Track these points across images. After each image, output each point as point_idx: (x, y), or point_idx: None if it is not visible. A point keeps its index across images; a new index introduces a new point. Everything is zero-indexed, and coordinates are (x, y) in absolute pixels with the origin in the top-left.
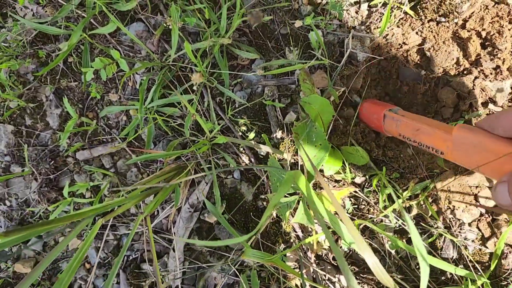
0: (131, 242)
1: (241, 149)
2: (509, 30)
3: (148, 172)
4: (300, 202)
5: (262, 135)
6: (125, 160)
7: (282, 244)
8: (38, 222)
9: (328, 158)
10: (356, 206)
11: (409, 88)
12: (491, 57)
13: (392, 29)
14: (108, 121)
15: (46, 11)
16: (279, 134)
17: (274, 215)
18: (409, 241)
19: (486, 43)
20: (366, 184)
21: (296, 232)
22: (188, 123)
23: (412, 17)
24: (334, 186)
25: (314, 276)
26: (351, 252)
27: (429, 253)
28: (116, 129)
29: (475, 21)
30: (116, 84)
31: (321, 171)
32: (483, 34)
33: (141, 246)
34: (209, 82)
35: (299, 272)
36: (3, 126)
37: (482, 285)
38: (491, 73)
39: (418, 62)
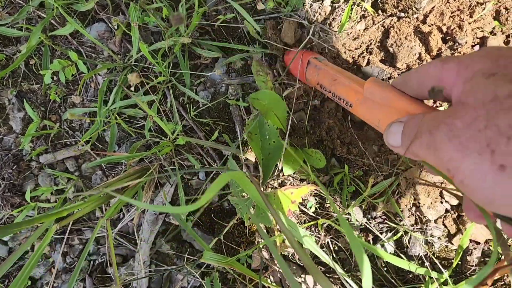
0: (97, 246)
1: (206, 149)
2: (469, 24)
3: (113, 174)
4: (256, 204)
5: (223, 135)
6: (89, 163)
7: (247, 246)
8: None
9: (287, 157)
10: (320, 205)
11: None
12: (452, 51)
13: (352, 26)
14: (71, 123)
15: (6, 13)
16: (243, 133)
17: (239, 216)
18: (374, 240)
19: (447, 38)
20: (331, 182)
21: (259, 234)
22: (148, 125)
23: (372, 14)
24: (297, 185)
25: (280, 276)
26: None
27: (396, 250)
28: (79, 132)
29: (435, 16)
30: (78, 86)
31: (282, 170)
32: (444, 28)
33: (107, 250)
34: (171, 82)
35: (258, 275)
36: None
37: (444, 282)
38: None
39: (382, 58)
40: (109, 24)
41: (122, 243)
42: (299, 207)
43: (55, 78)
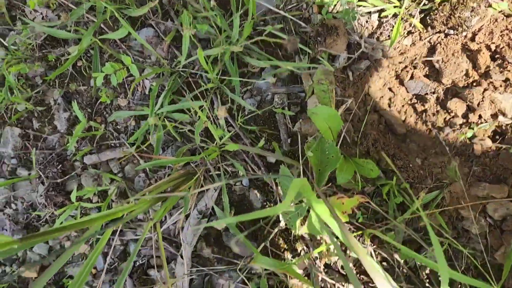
0: (139, 248)
1: (250, 156)
2: None
3: (156, 177)
4: (311, 211)
5: (272, 143)
6: (133, 165)
7: (289, 252)
8: (49, 228)
9: (340, 167)
10: (366, 215)
11: (417, 98)
12: (501, 69)
13: (399, 41)
14: (116, 125)
15: (56, 15)
16: (288, 141)
17: (283, 224)
18: (418, 251)
19: (496, 56)
20: (376, 193)
21: (305, 240)
22: (198, 129)
23: (420, 30)
24: (343, 196)
25: (323, 284)
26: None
27: None
28: (124, 134)
29: (485, 34)
30: (125, 88)
31: (331, 180)
32: (493, 47)
33: (148, 251)
34: (218, 88)
35: (310, 281)
36: (10, 129)
37: None
38: (500, 85)
39: (427, 73)
40: (157, 30)
41: (164, 246)
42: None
43: (103, 80)
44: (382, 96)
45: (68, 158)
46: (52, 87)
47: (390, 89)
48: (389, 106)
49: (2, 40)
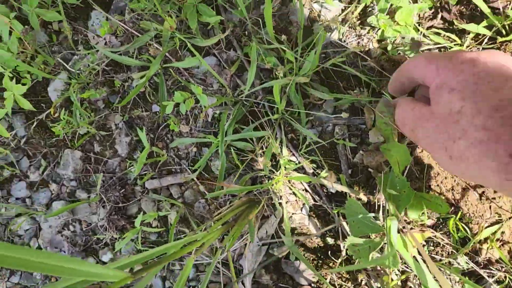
0: (196, 273)
1: (311, 185)
2: None
3: (215, 204)
4: (387, 245)
5: (334, 173)
6: (192, 190)
7: (351, 282)
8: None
9: (412, 202)
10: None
11: None
12: None
13: None
14: (178, 151)
15: (119, 41)
16: (349, 172)
17: (344, 253)
18: (477, 283)
19: None
20: (435, 226)
21: (367, 271)
22: (268, 158)
23: None
24: (410, 228)
25: None
26: None
27: None
28: (185, 160)
29: None
30: (187, 115)
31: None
32: None
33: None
34: (282, 119)
35: None
36: (71, 152)
37: None
38: None
39: None
40: (220, 59)
41: (223, 271)
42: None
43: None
44: None
45: (129, 182)
46: (114, 112)
47: None
48: None
49: (65, 64)
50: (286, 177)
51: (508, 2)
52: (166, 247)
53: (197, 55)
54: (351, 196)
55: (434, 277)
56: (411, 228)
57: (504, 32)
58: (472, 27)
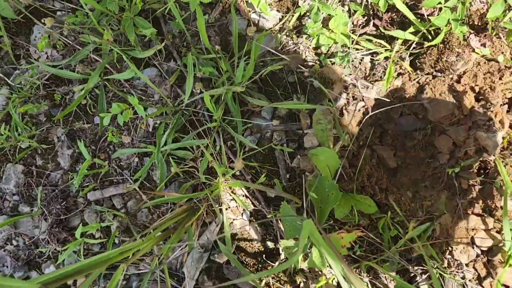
0: (137, 282)
1: (251, 191)
2: (499, 85)
3: (158, 212)
4: (313, 248)
5: (273, 179)
6: (135, 200)
7: (289, 284)
8: (64, 270)
9: (338, 203)
10: (362, 248)
11: (406, 134)
12: (485, 110)
13: (391, 82)
14: (119, 162)
15: (60, 55)
16: (287, 177)
17: (283, 256)
18: (410, 281)
19: (480, 97)
20: (370, 226)
21: (304, 273)
22: (203, 167)
23: (410, 72)
24: (340, 229)
25: None
26: None
27: None
28: (127, 170)
29: (469, 77)
30: (128, 126)
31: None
32: (477, 89)
33: (150, 286)
34: (220, 127)
35: None
36: (13, 166)
37: None
38: (484, 125)
39: (416, 111)
40: (161, 70)
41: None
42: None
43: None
44: (375, 132)
45: (71, 194)
46: (56, 125)
47: (380, 125)
48: (381, 142)
49: (6, 79)
50: (225, 183)
51: (433, 9)
52: (94, 260)
53: (132, 66)
54: (285, 201)
55: (345, 276)
56: (340, 229)
57: (430, 37)
58: (398, 33)
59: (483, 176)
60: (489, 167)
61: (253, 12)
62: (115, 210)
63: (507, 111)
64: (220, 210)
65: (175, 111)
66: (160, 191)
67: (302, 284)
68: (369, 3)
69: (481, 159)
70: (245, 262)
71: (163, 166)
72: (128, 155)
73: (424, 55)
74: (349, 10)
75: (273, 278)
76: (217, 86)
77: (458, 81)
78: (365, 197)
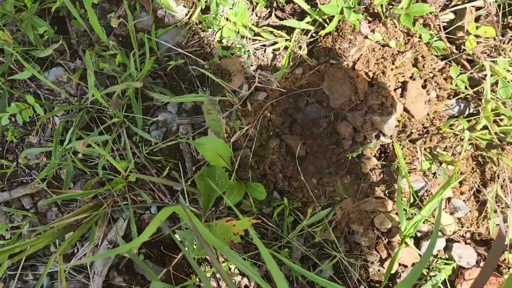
0: (51, 281)
1: (157, 185)
2: (391, 70)
3: (68, 211)
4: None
5: (173, 172)
6: (45, 200)
7: (194, 275)
8: None
9: (230, 191)
10: (264, 234)
11: (313, 123)
12: (377, 94)
13: (292, 71)
14: (28, 162)
15: None
16: (193, 169)
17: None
18: (314, 266)
19: (373, 82)
20: (273, 214)
21: (209, 262)
22: (101, 163)
23: (306, 61)
24: (232, 219)
25: None
26: None
27: (333, 276)
28: (36, 170)
29: (363, 63)
30: (36, 126)
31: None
32: (370, 74)
33: (60, 285)
34: (125, 123)
35: None
36: None
37: None
38: (378, 109)
39: (319, 99)
40: (67, 69)
41: (76, 277)
42: (244, 238)
43: (12, 119)
44: (284, 122)
45: None
46: None
47: (290, 115)
48: (290, 131)
49: None
50: (126, 179)
51: None
52: None
53: (28, 67)
54: (186, 193)
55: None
56: (231, 219)
57: (327, 26)
58: (294, 23)
59: (382, 159)
60: (388, 151)
61: (159, 8)
62: (25, 210)
63: (401, 95)
64: (126, 205)
65: (80, 109)
66: (66, 189)
67: (210, 274)
68: None
69: (380, 143)
70: (153, 255)
71: (69, 164)
72: (37, 155)
73: (320, 43)
74: (252, 2)
75: (177, 269)
76: (121, 83)
77: (353, 68)
78: (257, 184)
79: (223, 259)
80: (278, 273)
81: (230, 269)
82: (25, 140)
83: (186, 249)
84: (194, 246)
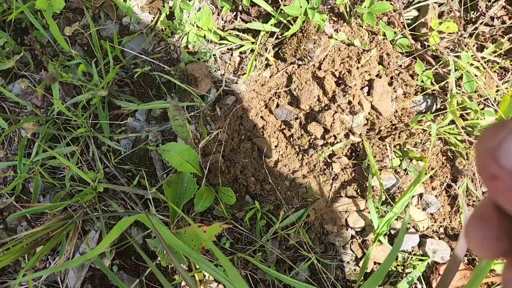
0: None
1: (129, 194)
2: (357, 68)
3: (39, 224)
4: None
5: (142, 180)
6: (14, 214)
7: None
8: None
9: (199, 197)
10: (238, 239)
11: (285, 124)
12: (344, 93)
13: (259, 74)
14: None
15: None
16: (165, 176)
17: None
18: (290, 269)
19: (340, 81)
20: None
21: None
22: (68, 175)
23: (273, 63)
24: (202, 225)
25: None
26: None
27: (309, 278)
28: (3, 185)
29: (328, 63)
30: (3, 141)
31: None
32: (336, 73)
33: None
34: (92, 132)
35: None
36: None
37: None
38: (346, 108)
39: (289, 101)
40: (32, 80)
41: None
42: (216, 243)
43: None
44: (255, 125)
45: None
46: None
47: (262, 117)
48: (263, 134)
49: None
50: (95, 190)
51: None
52: None
53: None
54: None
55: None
56: (201, 225)
57: (291, 27)
58: (258, 26)
59: (354, 158)
60: (358, 149)
61: (124, 16)
62: None
63: (368, 93)
64: (98, 217)
65: (46, 121)
66: (34, 202)
67: (182, 283)
68: None
69: (350, 141)
70: (126, 266)
71: (37, 177)
72: (3, 169)
73: (286, 44)
74: (216, 7)
75: (151, 280)
76: (86, 92)
77: (320, 68)
78: (227, 189)
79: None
80: (238, 278)
81: (204, 276)
82: None
83: (158, 258)
84: (164, 255)
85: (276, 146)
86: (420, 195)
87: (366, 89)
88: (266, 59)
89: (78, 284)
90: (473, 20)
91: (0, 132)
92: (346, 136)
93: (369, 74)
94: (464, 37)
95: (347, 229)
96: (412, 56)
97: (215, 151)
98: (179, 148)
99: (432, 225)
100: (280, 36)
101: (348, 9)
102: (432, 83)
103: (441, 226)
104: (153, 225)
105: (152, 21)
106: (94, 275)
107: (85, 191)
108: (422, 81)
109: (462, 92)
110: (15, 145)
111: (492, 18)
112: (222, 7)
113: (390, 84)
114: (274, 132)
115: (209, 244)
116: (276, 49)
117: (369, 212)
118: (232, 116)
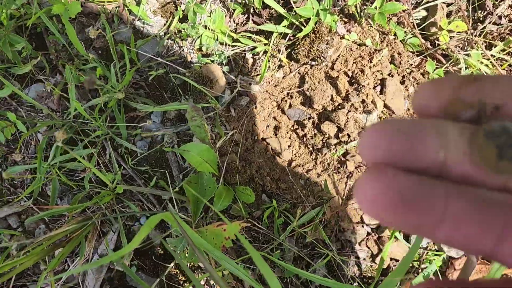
0: None
1: (146, 196)
2: (369, 68)
3: (57, 227)
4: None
5: (161, 181)
6: (32, 217)
7: (188, 283)
8: None
9: (218, 196)
10: (255, 237)
11: (298, 124)
12: (357, 92)
13: (272, 75)
14: (12, 181)
15: None
16: (181, 177)
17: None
18: (307, 266)
19: (353, 81)
20: (263, 217)
21: (202, 269)
22: (88, 177)
23: (286, 64)
24: (222, 223)
25: None
26: None
27: (327, 275)
28: (21, 188)
29: (341, 63)
30: (19, 144)
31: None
32: (349, 73)
33: None
34: (108, 135)
35: None
36: None
37: None
38: (359, 107)
39: (302, 101)
40: (48, 84)
41: None
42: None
43: None
44: (268, 126)
45: None
46: None
47: (274, 118)
48: (275, 134)
49: None
50: (114, 191)
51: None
52: None
53: (8, 84)
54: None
55: (207, 268)
56: (221, 224)
57: (303, 28)
58: (270, 27)
59: None
60: None
61: (137, 20)
62: (12, 229)
63: (380, 92)
64: (115, 218)
65: (62, 124)
66: (53, 205)
67: (204, 281)
68: (247, 0)
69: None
70: (145, 267)
71: (54, 180)
72: (21, 173)
73: (299, 45)
74: (228, 10)
75: (170, 279)
76: (103, 95)
77: (332, 68)
78: (246, 188)
79: (216, 266)
80: (269, 272)
81: (223, 275)
82: (8, 158)
83: (179, 257)
84: (186, 254)
85: (289, 146)
86: None
87: (378, 88)
88: (279, 60)
89: (97, 285)
90: (481, 19)
91: (18, 136)
92: (359, 134)
93: (381, 73)
94: (474, 36)
95: (362, 226)
96: (423, 55)
97: (230, 151)
98: (198, 148)
99: None
100: (292, 38)
101: (358, 10)
102: None
103: None
104: (178, 224)
105: (165, 24)
106: (113, 276)
107: (103, 193)
108: None
109: None
110: (32, 149)
111: (500, 17)
112: (234, 10)
113: (402, 82)
114: (287, 132)
115: (229, 243)
116: (289, 50)
117: None
118: (246, 117)
